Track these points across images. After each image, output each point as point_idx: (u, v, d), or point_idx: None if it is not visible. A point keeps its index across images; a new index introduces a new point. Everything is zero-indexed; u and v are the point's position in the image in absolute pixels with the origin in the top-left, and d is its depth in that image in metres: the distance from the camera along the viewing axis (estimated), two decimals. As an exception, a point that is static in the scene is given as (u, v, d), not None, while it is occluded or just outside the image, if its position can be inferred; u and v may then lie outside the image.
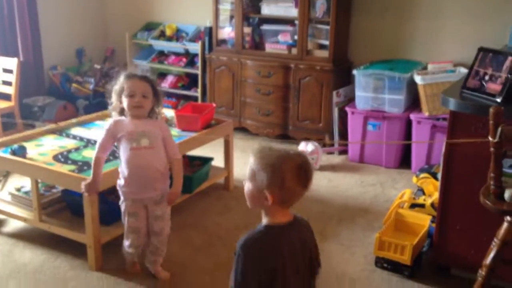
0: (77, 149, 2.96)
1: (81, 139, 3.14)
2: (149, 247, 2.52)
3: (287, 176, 1.39)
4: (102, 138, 2.36)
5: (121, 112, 2.38)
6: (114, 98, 2.38)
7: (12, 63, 4.43)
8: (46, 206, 2.87)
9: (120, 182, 2.38)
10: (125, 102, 2.31)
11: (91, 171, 2.38)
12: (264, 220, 1.47)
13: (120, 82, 2.34)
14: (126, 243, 2.48)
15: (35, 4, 4.99)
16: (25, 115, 4.75)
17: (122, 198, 2.41)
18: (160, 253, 2.54)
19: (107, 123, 2.40)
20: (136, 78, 2.33)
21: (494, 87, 2.24)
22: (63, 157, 2.84)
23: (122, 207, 2.42)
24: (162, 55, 5.36)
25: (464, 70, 3.75)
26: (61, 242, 2.78)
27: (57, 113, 4.82)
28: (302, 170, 1.41)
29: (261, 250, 1.42)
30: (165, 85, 5.33)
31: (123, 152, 2.34)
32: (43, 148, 2.97)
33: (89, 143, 3.06)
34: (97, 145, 2.37)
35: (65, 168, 2.67)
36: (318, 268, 1.61)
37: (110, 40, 5.82)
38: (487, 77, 2.30)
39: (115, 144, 2.40)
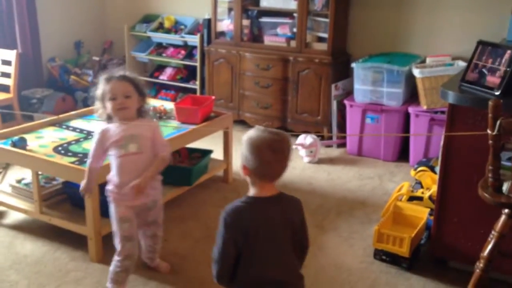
0: (77, 141, 2.97)
1: (81, 131, 3.15)
2: (144, 247, 2.51)
3: (259, 153, 1.59)
4: (93, 149, 2.29)
5: (109, 117, 2.29)
6: (98, 105, 2.30)
7: (10, 55, 4.42)
8: (46, 198, 2.88)
9: (111, 189, 2.29)
10: (109, 107, 2.23)
11: (85, 178, 2.33)
12: (249, 192, 1.67)
13: (100, 87, 2.26)
14: (120, 257, 2.28)
15: (33, -4, 4.97)
16: (24, 107, 4.75)
17: (113, 205, 2.30)
18: (156, 250, 2.53)
19: (95, 134, 2.31)
20: (115, 79, 2.23)
21: (493, 80, 2.25)
22: (63, 149, 2.85)
23: (114, 215, 2.29)
24: (160, 47, 5.36)
25: (462, 64, 3.76)
26: (61, 234, 2.80)
27: (55, 105, 4.83)
28: (271, 148, 1.59)
29: (239, 215, 1.61)
30: (164, 77, 5.33)
31: (113, 160, 2.27)
32: (44, 140, 2.97)
33: (89, 135, 3.07)
34: (89, 156, 2.32)
35: (65, 160, 2.68)
36: (305, 248, 1.76)
37: (108, 32, 5.80)
38: (486, 71, 2.31)
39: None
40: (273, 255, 1.64)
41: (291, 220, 1.67)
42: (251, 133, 1.63)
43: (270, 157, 1.59)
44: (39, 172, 2.80)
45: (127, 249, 2.29)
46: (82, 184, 2.36)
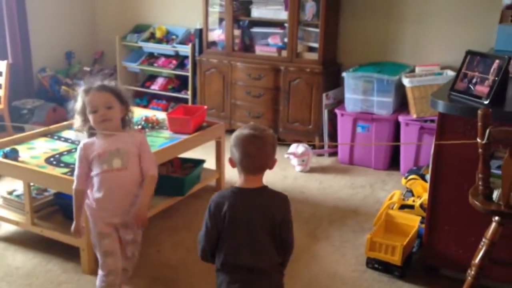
0: (69, 152, 2.96)
1: (73, 142, 3.14)
2: None
3: (240, 147, 1.72)
4: (77, 168, 2.15)
5: (90, 134, 2.18)
6: (78, 119, 2.16)
7: (1, 65, 4.41)
8: (38, 209, 2.87)
9: (91, 204, 2.17)
10: (91, 120, 2.11)
11: (73, 209, 2.17)
12: (236, 183, 1.80)
13: (79, 100, 2.14)
14: (103, 272, 2.21)
15: (24, 6, 4.97)
16: (14, 118, 4.72)
17: (91, 221, 2.20)
18: (128, 275, 2.37)
19: (77, 150, 2.18)
20: (94, 90, 2.11)
21: (482, 89, 2.29)
22: (55, 160, 2.84)
23: (93, 231, 2.20)
24: (152, 57, 5.37)
25: (451, 73, 3.81)
26: (53, 246, 2.78)
27: (46, 115, 4.81)
28: (251, 143, 1.72)
29: (221, 200, 1.75)
30: (155, 87, 5.34)
31: (94, 175, 2.13)
32: (35, 151, 2.96)
33: (80, 146, 3.06)
34: (74, 177, 2.17)
35: (57, 171, 2.67)
36: (287, 245, 1.82)
37: (99, 42, 5.81)
38: (474, 80, 2.35)
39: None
40: (247, 243, 1.74)
41: (271, 213, 1.75)
42: (238, 129, 1.78)
43: (250, 151, 1.72)
44: (31, 183, 2.79)
45: (109, 265, 2.19)
46: (72, 226, 2.19)
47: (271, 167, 1.79)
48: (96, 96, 2.10)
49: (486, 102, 2.22)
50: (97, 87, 2.12)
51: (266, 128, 1.80)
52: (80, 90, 2.14)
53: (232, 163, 1.78)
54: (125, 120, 2.22)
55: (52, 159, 2.85)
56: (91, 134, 2.18)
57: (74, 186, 2.16)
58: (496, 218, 1.97)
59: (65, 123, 3.46)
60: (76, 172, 2.16)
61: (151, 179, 2.18)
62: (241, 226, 1.73)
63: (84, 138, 2.21)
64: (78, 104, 2.14)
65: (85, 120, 2.15)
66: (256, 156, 1.73)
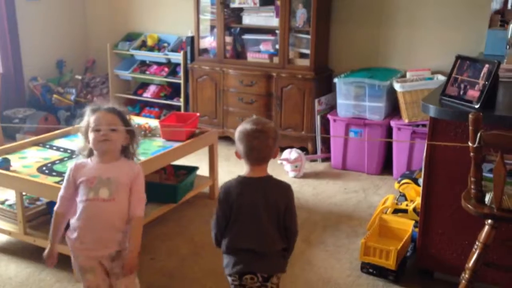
0: (61, 161, 2.95)
1: (65, 150, 3.13)
2: None
3: (243, 140, 1.87)
4: (62, 188, 2.04)
5: (90, 153, 2.06)
6: (81, 139, 2.09)
7: (-8, 75, 4.39)
8: (31, 218, 2.85)
9: (71, 235, 2.02)
10: (91, 138, 1.99)
11: (50, 231, 2.05)
12: (243, 172, 1.93)
13: (85, 119, 2.05)
14: None
15: (15, 15, 4.96)
16: (6, 127, 4.70)
17: (72, 253, 2.07)
18: None
19: (67, 170, 2.05)
20: (102, 110, 2.03)
21: (472, 93, 2.31)
22: (47, 169, 2.82)
23: (75, 265, 2.10)
24: (143, 65, 5.37)
25: (441, 78, 3.84)
26: (46, 255, 2.76)
27: (38, 124, 4.78)
28: (253, 136, 1.85)
29: (228, 190, 1.89)
30: (148, 95, 5.34)
31: (78, 201, 1.99)
32: (27, 160, 2.95)
33: (73, 154, 3.05)
34: (58, 198, 2.04)
35: (50, 180, 2.65)
36: (291, 232, 1.94)
37: (91, 50, 5.80)
38: (465, 84, 2.37)
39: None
40: (252, 229, 1.87)
41: (275, 201, 1.89)
42: (242, 124, 1.91)
43: (254, 144, 1.85)
44: (23, 193, 2.77)
45: None
46: (45, 251, 2.06)
47: (274, 156, 1.93)
48: (102, 115, 2.02)
49: (476, 106, 2.24)
50: (106, 108, 2.05)
51: (268, 121, 1.94)
52: (88, 109, 2.07)
53: (238, 155, 1.92)
54: (128, 150, 2.10)
55: (44, 168, 2.83)
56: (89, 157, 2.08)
57: (55, 208, 2.04)
58: (489, 221, 1.99)
59: (57, 131, 3.44)
60: (60, 193, 2.04)
61: (138, 221, 2.02)
62: (247, 213, 1.87)
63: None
64: (83, 123, 2.06)
65: (88, 141, 2.05)
66: (259, 149, 1.87)
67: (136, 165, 2.09)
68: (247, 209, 1.87)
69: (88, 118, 2.04)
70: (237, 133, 1.90)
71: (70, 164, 2.07)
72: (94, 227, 1.98)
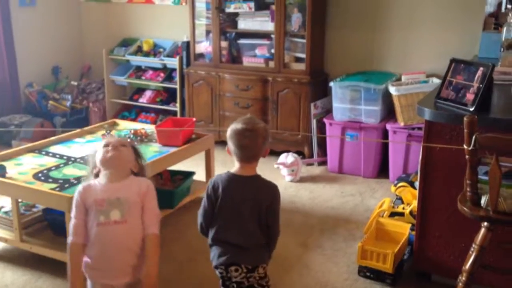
0: (57, 167, 2.94)
1: (61, 156, 3.12)
2: None
3: (233, 139, 1.94)
4: (73, 217, 1.92)
5: (96, 176, 2.00)
6: (89, 168, 2.04)
7: (-13, 81, 4.38)
8: (27, 225, 2.84)
9: (86, 261, 1.93)
10: (98, 159, 1.94)
11: (68, 266, 1.92)
12: (232, 169, 2.00)
13: (94, 156, 2.00)
14: None
15: (9, 21, 4.95)
16: (1, 134, 4.69)
17: (88, 281, 1.98)
18: None
19: (75, 195, 1.95)
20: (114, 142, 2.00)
21: (467, 96, 2.32)
22: (43, 175, 2.81)
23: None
24: (139, 71, 5.37)
25: (436, 81, 3.86)
26: (43, 262, 2.75)
27: (34, 131, 4.77)
28: (242, 135, 1.92)
29: (216, 184, 1.98)
30: (144, 100, 5.34)
31: (90, 226, 1.89)
32: (23, 167, 2.94)
33: (69, 160, 3.05)
34: (70, 228, 1.92)
35: (46, 187, 2.65)
36: (272, 232, 2.03)
37: (86, 56, 5.80)
38: (460, 87, 2.38)
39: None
40: (235, 223, 1.96)
41: (259, 200, 1.96)
42: (234, 122, 1.98)
43: (243, 143, 1.93)
44: (19, 200, 2.76)
45: None
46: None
47: (264, 156, 2.01)
48: (114, 138, 2.03)
49: (471, 109, 2.25)
50: (118, 140, 2.02)
51: (258, 121, 2.00)
52: (99, 146, 1.98)
53: (229, 152, 1.99)
54: (137, 174, 2.04)
55: (40, 174, 2.82)
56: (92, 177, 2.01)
57: (69, 239, 1.89)
58: (485, 223, 1.99)
59: (52, 138, 3.44)
60: (72, 222, 1.90)
61: (154, 239, 1.91)
62: (231, 208, 1.95)
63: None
64: (91, 158, 2.01)
65: (94, 167, 1.99)
66: (248, 147, 1.94)
67: (145, 181, 1.99)
68: (231, 204, 1.95)
69: (98, 153, 1.97)
70: (228, 131, 1.97)
71: (77, 188, 1.97)
72: (109, 253, 1.88)
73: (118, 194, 1.90)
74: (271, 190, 2.01)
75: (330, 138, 4.22)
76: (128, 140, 2.05)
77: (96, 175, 1.99)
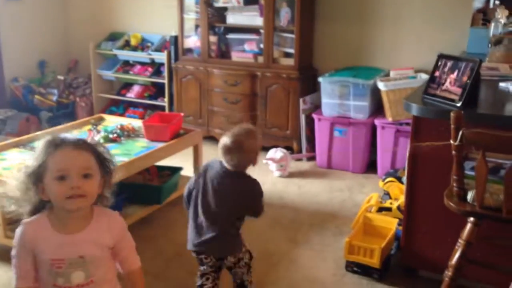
0: (42, 163, 2.90)
1: (47, 152, 3.08)
2: None
3: (221, 153, 2.12)
4: (15, 265, 1.46)
5: (39, 207, 1.47)
6: (21, 188, 1.43)
7: (-29, 75, 4.32)
8: (11, 221, 2.80)
9: None
10: (52, 190, 1.40)
11: None
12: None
13: (37, 158, 1.42)
14: None
15: (-5, 15, 4.89)
16: (-14, 128, 4.63)
17: None
18: None
19: (15, 235, 1.46)
20: (69, 148, 1.43)
21: (454, 92, 2.32)
22: (28, 171, 2.77)
23: None
24: (127, 65, 5.32)
25: (425, 76, 3.86)
26: (27, 258, 2.72)
27: (19, 125, 4.71)
28: (224, 148, 2.11)
29: (206, 167, 2.19)
30: (131, 95, 5.30)
31: (44, 280, 1.46)
32: (7, 162, 2.90)
33: (55, 156, 3.01)
34: (13, 269, 1.47)
35: (30, 182, 2.61)
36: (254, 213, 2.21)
37: (73, 50, 5.73)
38: (447, 83, 2.38)
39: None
40: (208, 207, 2.12)
41: (237, 193, 2.12)
42: (225, 135, 2.14)
43: (226, 158, 2.11)
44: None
45: None
46: None
47: (254, 164, 2.15)
48: (71, 155, 1.42)
49: (458, 105, 2.25)
50: (74, 142, 1.45)
51: (249, 135, 2.14)
52: (44, 142, 1.44)
53: None
54: (102, 197, 1.53)
55: (25, 170, 2.78)
56: (32, 213, 1.47)
57: (16, 284, 1.46)
58: (471, 219, 2.00)
59: (38, 133, 3.40)
60: (16, 263, 1.46)
61: (139, 272, 1.63)
62: (208, 193, 2.12)
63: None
64: (33, 161, 1.42)
65: (35, 186, 1.42)
66: (234, 163, 2.11)
67: (114, 217, 1.55)
68: (211, 191, 2.11)
69: (44, 156, 1.41)
70: (219, 144, 2.13)
71: (20, 228, 1.46)
72: None
73: (82, 251, 1.45)
74: (250, 185, 2.15)
75: (319, 133, 4.21)
76: (87, 143, 1.48)
77: (38, 207, 1.46)
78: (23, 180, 1.43)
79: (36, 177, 1.41)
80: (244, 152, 2.09)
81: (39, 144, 1.45)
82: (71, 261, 1.44)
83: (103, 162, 1.49)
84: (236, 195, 2.12)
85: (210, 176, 2.14)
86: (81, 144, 1.45)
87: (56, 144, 1.43)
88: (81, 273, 1.46)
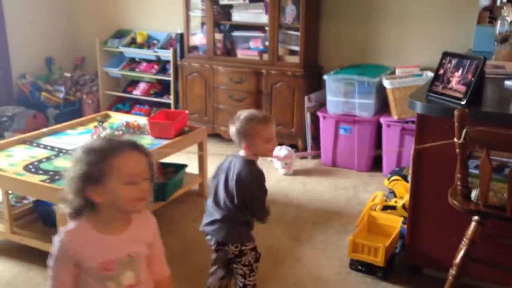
0: (48, 159, 2.92)
1: (52, 148, 3.10)
2: None
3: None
4: (52, 278, 1.44)
5: (77, 212, 1.42)
6: (72, 190, 1.38)
7: (-21, 72, 4.35)
8: (17, 217, 2.83)
9: None
10: (120, 193, 1.37)
11: None
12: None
13: (90, 162, 1.36)
14: None
15: (2, 12, 4.91)
16: (-6, 125, 4.67)
17: None
18: None
19: (54, 242, 1.42)
20: (132, 151, 1.41)
21: (459, 90, 2.31)
22: (34, 167, 2.80)
23: None
24: (133, 63, 5.33)
25: (431, 74, 3.84)
26: (33, 254, 2.73)
27: (27, 122, 4.75)
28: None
29: (224, 161, 2.23)
30: (137, 92, 5.31)
31: None
32: (13, 158, 2.92)
33: (60, 152, 3.03)
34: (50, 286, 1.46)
35: (36, 179, 2.63)
36: (252, 210, 2.17)
37: (80, 48, 5.75)
38: (452, 81, 2.37)
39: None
40: (217, 191, 2.17)
41: (237, 178, 2.12)
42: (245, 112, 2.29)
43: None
44: (9, 191, 2.75)
45: None
46: None
47: (264, 152, 2.24)
48: (137, 159, 1.41)
49: (463, 103, 2.24)
50: (133, 145, 1.43)
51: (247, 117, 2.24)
52: (97, 144, 1.40)
53: None
54: None
55: (30, 166, 2.80)
56: (72, 217, 1.43)
57: None
58: (476, 217, 1.99)
59: (44, 129, 3.42)
60: (51, 284, 1.44)
61: (170, 280, 1.62)
62: (220, 177, 2.18)
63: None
64: (82, 165, 1.37)
65: (85, 189, 1.37)
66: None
67: (150, 213, 1.58)
68: (218, 177, 2.19)
69: (103, 159, 1.36)
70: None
71: (59, 236, 1.43)
72: None
73: (130, 250, 1.45)
74: (247, 170, 2.13)
75: (324, 131, 4.21)
76: (142, 147, 1.47)
77: (79, 211, 1.42)
78: (77, 183, 1.37)
79: (91, 180, 1.36)
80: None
81: (88, 146, 1.39)
82: (121, 261, 1.43)
83: (152, 165, 1.47)
84: (235, 180, 2.11)
85: (228, 160, 2.20)
86: (140, 147, 1.44)
87: (112, 148, 1.39)
88: (130, 273, 1.45)
